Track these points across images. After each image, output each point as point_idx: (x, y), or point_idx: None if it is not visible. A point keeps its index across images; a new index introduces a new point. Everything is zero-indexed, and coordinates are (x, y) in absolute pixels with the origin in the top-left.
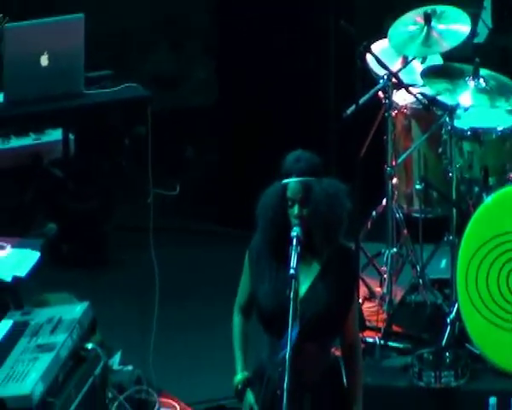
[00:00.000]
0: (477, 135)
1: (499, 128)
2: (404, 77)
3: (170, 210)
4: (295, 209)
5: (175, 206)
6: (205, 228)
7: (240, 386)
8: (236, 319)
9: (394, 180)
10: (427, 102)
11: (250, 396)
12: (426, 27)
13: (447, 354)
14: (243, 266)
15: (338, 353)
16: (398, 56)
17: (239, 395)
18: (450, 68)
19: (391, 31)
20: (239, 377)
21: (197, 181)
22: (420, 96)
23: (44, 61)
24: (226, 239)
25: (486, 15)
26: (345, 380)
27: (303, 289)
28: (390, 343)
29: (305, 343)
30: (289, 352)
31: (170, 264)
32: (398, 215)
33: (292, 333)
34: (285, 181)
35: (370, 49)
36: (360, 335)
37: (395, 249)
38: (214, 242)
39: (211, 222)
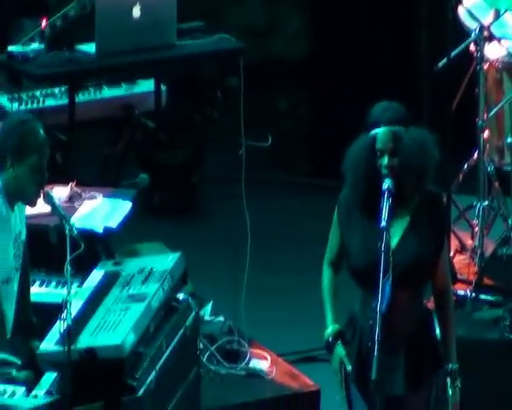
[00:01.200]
0: None
1: None
2: (496, 30)
3: (261, 162)
4: (385, 160)
5: (267, 157)
6: (296, 179)
7: (330, 339)
8: (326, 273)
9: (486, 133)
10: None
11: (340, 349)
12: None
13: None
14: (332, 219)
15: (430, 305)
16: (489, 9)
17: (329, 348)
18: None
19: None
20: (329, 330)
21: (289, 133)
22: None
23: (136, 12)
24: (317, 190)
25: None
26: (438, 332)
27: (394, 240)
28: (481, 296)
29: (397, 294)
30: (382, 304)
31: (261, 215)
32: (489, 168)
33: (384, 285)
34: (374, 131)
35: (462, 1)
36: (451, 287)
37: (486, 202)
38: (305, 193)
39: (302, 174)
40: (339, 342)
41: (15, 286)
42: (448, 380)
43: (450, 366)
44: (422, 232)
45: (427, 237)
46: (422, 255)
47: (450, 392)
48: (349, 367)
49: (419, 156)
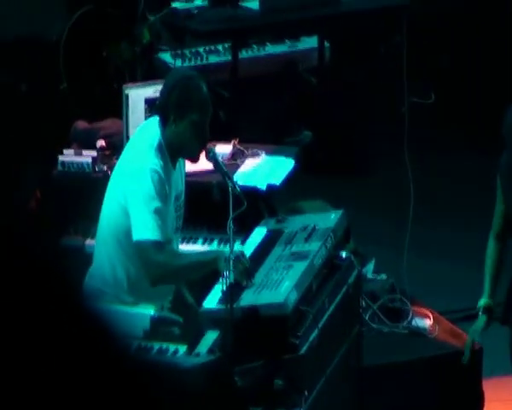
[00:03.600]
0: None
1: None
2: None
3: (425, 119)
4: None
5: (430, 114)
6: (459, 138)
7: (480, 310)
8: (490, 245)
9: None
10: None
11: (481, 322)
12: None
13: None
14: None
15: None
16: None
17: (475, 317)
18: None
19: None
20: (482, 301)
21: (452, 89)
22: None
23: None
24: (482, 150)
25: None
26: None
27: None
28: None
29: None
30: None
31: (425, 173)
32: None
33: None
34: None
35: None
36: None
37: None
38: (469, 153)
39: (466, 132)
40: (484, 316)
41: (176, 246)
42: None
43: None
44: None
45: None
46: None
47: None
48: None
49: None
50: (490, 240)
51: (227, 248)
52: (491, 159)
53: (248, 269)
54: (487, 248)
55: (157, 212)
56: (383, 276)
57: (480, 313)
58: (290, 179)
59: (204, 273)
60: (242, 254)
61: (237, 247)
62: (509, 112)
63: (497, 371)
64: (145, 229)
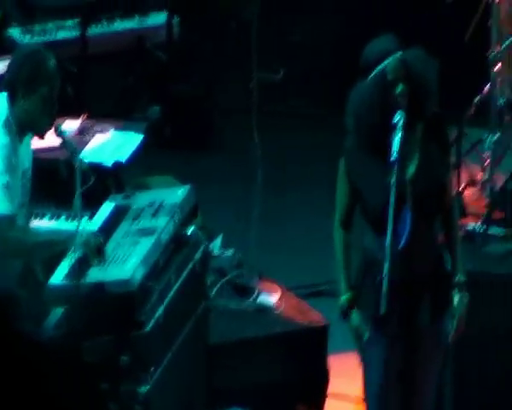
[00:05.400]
0: None
1: None
2: None
3: (274, 94)
4: (399, 87)
5: (279, 90)
6: (308, 112)
7: (345, 307)
8: (337, 235)
9: (498, 66)
10: None
11: (355, 318)
12: None
13: None
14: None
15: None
16: None
17: (344, 315)
18: None
19: None
20: (344, 297)
21: (302, 66)
22: None
23: None
24: (330, 123)
25: None
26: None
27: (411, 169)
28: (491, 230)
29: (420, 224)
30: (401, 238)
31: (273, 148)
32: (500, 101)
33: (406, 219)
34: (381, 66)
35: None
36: (461, 222)
37: (498, 135)
38: (318, 126)
39: (314, 106)
40: (354, 310)
41: (21, 222)
42: (454, 291)
43: (457, 277)
44: (435, 154)
45: (439, 158)
46: (440, 176)
47: (456, 303)
48: (366, 336)
49: (428, 71)
50: (336, 230)
51: (80, 227)
52: (341, 134)
53: (101, 247)
54: (335, 239)
55: (6, 187)
56: (231, 251)
57: (346, 309)
58: (139, 155)
59: (55, 252)
60: (95, 233)
61: (85, 223)
62: (350, 98)
63: (342, 346)
64: None
